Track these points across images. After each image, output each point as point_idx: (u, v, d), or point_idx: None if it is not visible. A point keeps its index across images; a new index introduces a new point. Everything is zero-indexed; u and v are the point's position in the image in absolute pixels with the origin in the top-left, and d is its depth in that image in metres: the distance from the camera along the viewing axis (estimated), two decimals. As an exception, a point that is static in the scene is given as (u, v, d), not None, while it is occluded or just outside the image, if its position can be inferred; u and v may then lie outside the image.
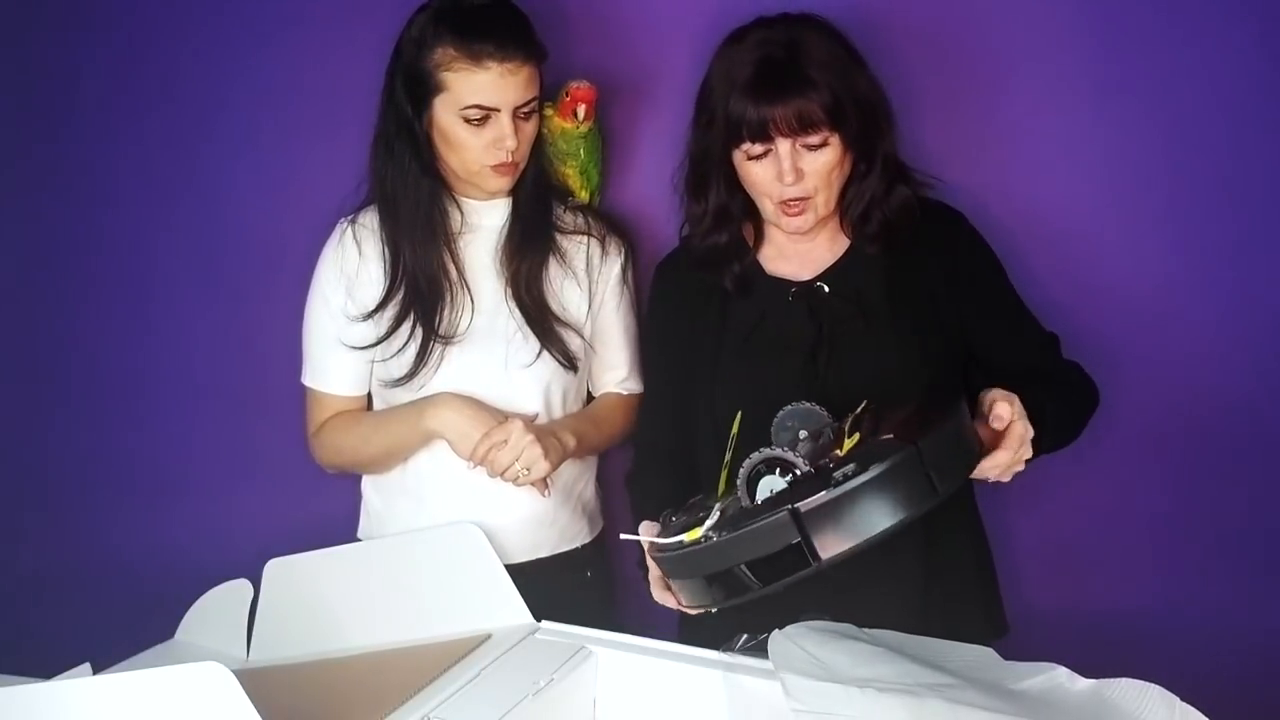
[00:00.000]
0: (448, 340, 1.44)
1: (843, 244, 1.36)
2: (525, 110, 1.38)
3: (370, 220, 1.48)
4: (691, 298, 1.40)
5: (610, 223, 1.56)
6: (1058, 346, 1.38)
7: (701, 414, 1.36)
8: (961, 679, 1.00)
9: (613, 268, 1.53)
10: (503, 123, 1.35)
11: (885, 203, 1.31)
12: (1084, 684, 1.01)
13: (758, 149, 1.25)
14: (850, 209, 1.33)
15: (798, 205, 1.28)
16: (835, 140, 1.25)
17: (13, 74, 1.76)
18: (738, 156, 1.29)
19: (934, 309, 1.32)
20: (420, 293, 1.44)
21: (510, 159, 1.38)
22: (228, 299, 1.76)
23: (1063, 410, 1.26)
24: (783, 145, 1.24)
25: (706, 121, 1.30)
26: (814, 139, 1.24)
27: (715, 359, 1.36)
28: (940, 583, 1.32)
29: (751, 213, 1.36)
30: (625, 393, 1.57)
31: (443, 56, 1.34)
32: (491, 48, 1.32)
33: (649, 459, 1.45)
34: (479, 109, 1.34)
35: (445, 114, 1.37)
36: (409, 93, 1.38)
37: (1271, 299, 1.49)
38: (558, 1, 1.55)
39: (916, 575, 1.31)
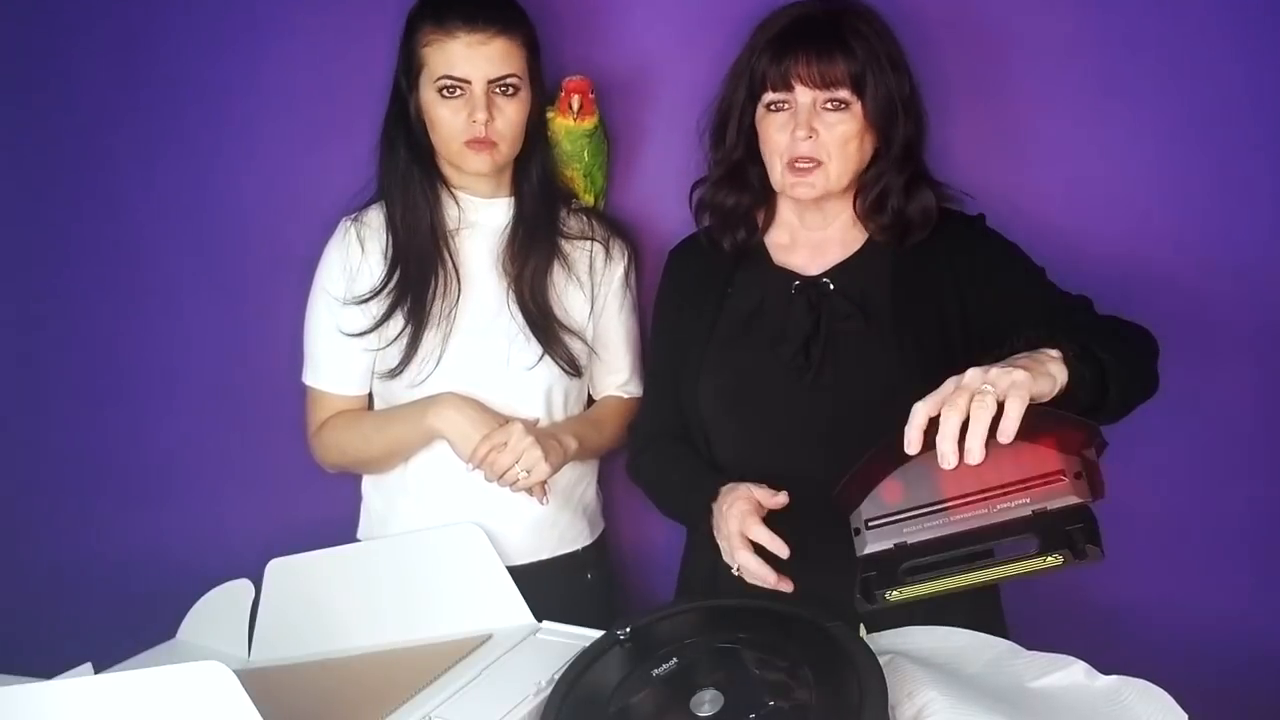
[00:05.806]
0: (437, 329, 1.44)
1: (856, 240, 1.35)
2: (503, 87, 1.38)
3: (373, 218, 1.49)
4: (693, 284, 1.40)
5: (614, 226, 1.56)
6: (1092, 305, 1.28)
7: (685, 399, 1.36)
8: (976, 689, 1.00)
9: (616, 271, 1.53)
10: (474, 94, 1.37)
11: (902, 195, 1.30)
12: (1103, 682, 1.01)
13: (779, 97, 1.26)
14: (864, 193, 1.32)
15: (807, 166, 1.27)
16: (857, 109, 1.25)
17: (14, 74, 1.76)
18: (760, 112, 1.29)
19: (940, 318, 1.30)
20: (411, 279, 1.44)
21: (484, 133, 1.38)
22: (229, 299, 1.76)
23: (1117, 348, 1.09)
24: (803, 96, 1.25)
25: (736, 74, 1.32)
26: (835, 97, 1.24)
27: (705, 347, 1.35)
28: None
29: (766, 195, 1.36)
30: (626, 396, 1.57)
31: (422, 34, 1.37)
32: (459, 19, 1.35)
33: (651, 440, 1.44)
34: (450, 79, 1.36)
35: (426, 92, 1.39)
36: (403, 78, 1.41)
37: (1273, 300, 1.50)
38: (558, 3, 1.55)
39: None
